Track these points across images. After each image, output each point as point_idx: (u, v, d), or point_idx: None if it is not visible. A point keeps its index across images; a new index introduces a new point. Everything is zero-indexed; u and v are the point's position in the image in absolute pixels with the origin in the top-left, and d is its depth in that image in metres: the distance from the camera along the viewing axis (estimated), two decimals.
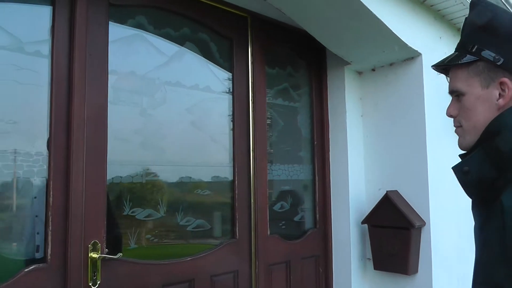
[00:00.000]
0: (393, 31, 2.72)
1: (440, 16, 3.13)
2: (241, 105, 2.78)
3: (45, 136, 2.02)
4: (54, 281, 1.98)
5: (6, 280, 1.85)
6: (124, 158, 2.33)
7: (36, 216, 2.01)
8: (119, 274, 2.18)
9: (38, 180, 2.01)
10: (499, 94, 1.13)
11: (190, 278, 2.45)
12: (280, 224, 3.03)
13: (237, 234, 2.67)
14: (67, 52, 2.10)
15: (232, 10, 2.80)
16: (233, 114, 2.74)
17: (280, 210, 3.03)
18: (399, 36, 2.76)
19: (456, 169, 1.18)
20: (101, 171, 2.17)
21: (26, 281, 1.90)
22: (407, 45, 2.82)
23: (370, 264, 3.05)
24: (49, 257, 1.98)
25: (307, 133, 3.22)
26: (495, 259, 1.06)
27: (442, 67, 1.27)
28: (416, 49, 2.88)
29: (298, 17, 2.78)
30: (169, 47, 2.55)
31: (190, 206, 2.58)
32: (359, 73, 3.26)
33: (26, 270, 1.91)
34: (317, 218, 3.16)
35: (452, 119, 1.25)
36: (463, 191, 1.20)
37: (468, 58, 1.17)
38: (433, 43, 3.06)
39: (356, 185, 3.14)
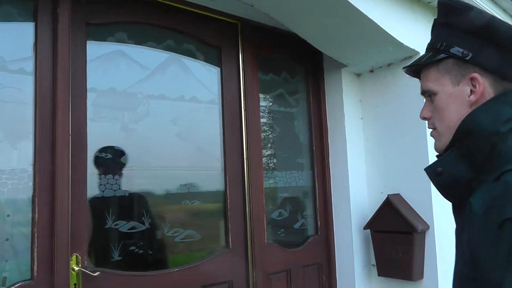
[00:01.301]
0: (386, 30, 2.64)
1: None
2: (232, 113, 2.74)
3: (30, 153, 2.03)
4: None
5: None
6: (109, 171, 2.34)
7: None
8: (101, 286, 2.16)
9: (23, 197, 2.02)
10: (471, 91, 1.10)
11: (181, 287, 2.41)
12: (279, 232, 2.97)
13: (230, 244, 2.63)
14: (51, 68, 2.10)
15: (221, 17, 2.77)
16: (223, 123, 2.70)
17: (278, 218, 2.97)
18: (393, 35, 2.68)
19: (429, 170, 1.15)
20: (82, 186, 2.18)
21: None
22: (402, 44, 2.73)
23: (375, 271, 2.96)
24: (35, 274, 1.98)
25: (305, 138, 3.16)
26: (466, 264, 1.05)
27: (413, 69, 1.25)
28: (413, 47, 2.79)
29: (287, 21, 2.73)
30: (151, 61, 2.54)
31: (177, 217, 2.56)
32: (358, 75, 3.19)
33: (12, 287, 1.93)
34: (319, 224, 3.09)
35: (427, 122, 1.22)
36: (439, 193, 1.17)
37: (437, 56, 1.15)
38: None
39: (358, 189, 3.06)
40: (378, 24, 2.59)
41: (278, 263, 2.83)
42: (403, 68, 1.31)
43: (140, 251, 2.40)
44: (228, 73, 2.76)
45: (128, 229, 2.37)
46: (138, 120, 2.46)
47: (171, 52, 2.62)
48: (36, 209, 2.01)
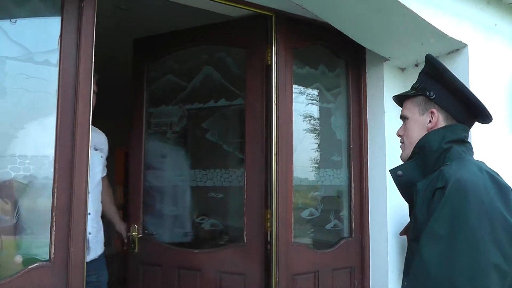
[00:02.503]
0: (427, 21, 2.43)
1: (495, 0, 2.74)
2: (256, 109, 2.71)
3: (52, 140, 2.13)
4: (56, 279, 2.07)
5: (9, 277, 1.98)
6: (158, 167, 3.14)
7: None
8: (150, 249, 2.92)
9: (43, 182, 2.12)
10: (429, 120, 1.59)
11: (198, 267, 2.75)
12: (309, 232, 2.88)
13: (245, 239, 2.63)
14: (75, 60, 2.17)
15: (255, 10, 2.71)
16: (245, 120, 2.71)
17: (309, 217, 2.87)
18: (436, 26, 2.46)
19: (392, 172, 1.65)
20: (138, 176, 3.03)
21: (29, 278, 2.01)
22: (446, 35, 2.50)
23: None
24: (52, 256, 2.08)
25: (342, 135, 3.02)
26: (411, 231, 1.59)
27: (399, 99, 1.75)
28: (459, 39, 2.54)
29: (321, 12, 2.61)
30: (190, 77, 3.07)
31: (204, 207, 3.08)
32: (402, 69, 2.98)
33: (30, 267, 2.03)
34: (353, 226, 2.93)
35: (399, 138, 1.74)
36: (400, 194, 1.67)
37: (414, 93, 1.66)
38: (485, 32, 2.68)
39: (396, 192, 2.81)
40: (417, 13, 2.38)
41: (305, 264, 2.73)
42: (393, 97, 1.80)
43: (176, 230, 3.11)
44: (252, 71, 2.77)
45: (170, 212, 3.08)
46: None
47: (205, 65, 3.06)
48: (55, 194, 2.10)
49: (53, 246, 2.08)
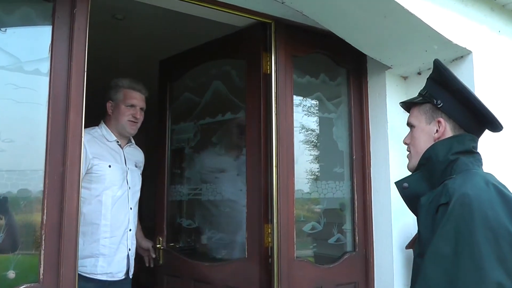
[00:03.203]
0: (431, 26, 2.36)
1: (498, 7, 2.68)
2: (256, 120, 2.63)
3: (42, 153, 2.01)
4: None
5: None
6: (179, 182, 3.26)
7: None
8: (172, 260, 3.01)
9: (33, 198, 2.01)
10: (436, 130, 1.52)
11: (209, 280, 2.76)
12: (311, 247, 2.77)
13: (246, 254, 2.58)
14: (66, 69, 2.07)
15: (254, 17, 2.63)
16: (245, 132, 2.66)
17: (311, 231, 2.77)
18: (440, 33, 2.39)
19: (398, 184, 1.58)
20: (162, 191, 3.16)
21: None
22: (450, 42, 2.43)
23: None
24: (41, 277, 1.95)
25: (344, 146, 2.93)
26: (416, 245, 1.51)
27: (406, 105, 1.68)
28: (464, 46, 2.47)
29: (322, 19, 2.54)
30: (202, 93, 3.15)
31: (215, 221, 3.12)
32: (404, 77, 2.90)
33: None
34: (357, 240, 2.82)
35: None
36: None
37: (421, 100, 1.58)
38: (488, 38, 2.62)
39: (401, 203, 2.72)
40: (421, 18, 2.31)
41: (308, 280, 2.62)
42: (400, 103, 1.73)
43: (192, 243, 3.19)
44: (251, 81, 2.71)
45: (187, 225, 3.18)
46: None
47: (214, 80, 3.10)
48: (45, 210, 1.97)
49: (41, 266, 1.96)
